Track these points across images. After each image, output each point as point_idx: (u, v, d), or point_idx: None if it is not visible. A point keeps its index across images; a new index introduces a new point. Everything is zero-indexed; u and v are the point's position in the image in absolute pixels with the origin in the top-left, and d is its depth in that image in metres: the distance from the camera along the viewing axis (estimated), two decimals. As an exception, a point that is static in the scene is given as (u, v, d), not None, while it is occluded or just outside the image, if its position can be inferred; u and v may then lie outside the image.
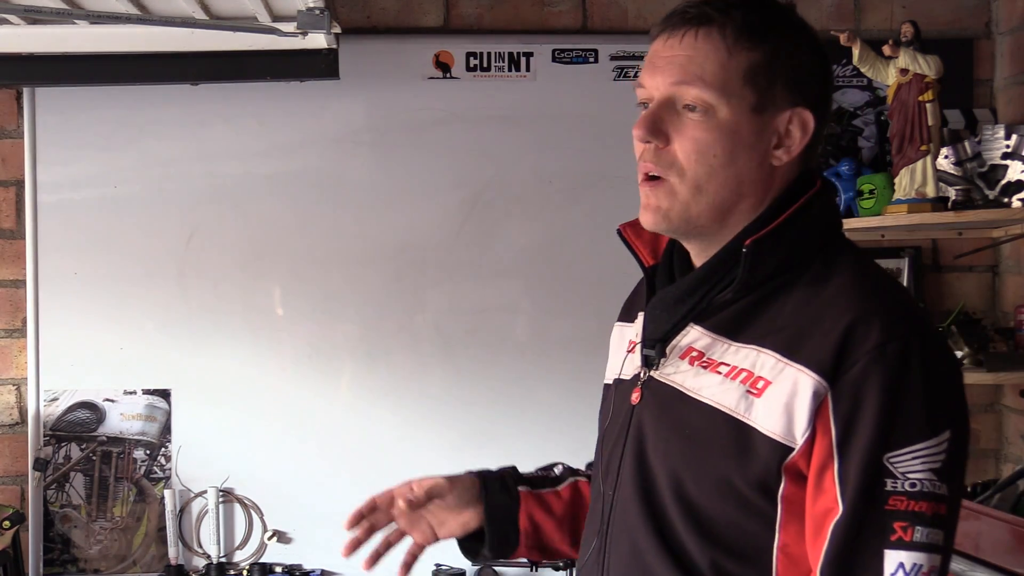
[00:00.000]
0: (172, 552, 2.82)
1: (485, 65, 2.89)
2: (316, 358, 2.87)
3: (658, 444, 1.21)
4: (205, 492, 2.84)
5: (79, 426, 2.83)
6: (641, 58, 1.26)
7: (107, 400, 2.84)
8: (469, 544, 1.49)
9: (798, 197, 1.22)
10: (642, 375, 1.27)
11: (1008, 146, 2.57)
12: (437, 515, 1.46)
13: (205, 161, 2.86)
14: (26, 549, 2.79)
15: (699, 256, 1.26)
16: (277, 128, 2.86)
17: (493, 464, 1.53)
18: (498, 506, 1.45)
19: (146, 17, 2.38)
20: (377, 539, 1.46)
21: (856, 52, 2.53)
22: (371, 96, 2.88)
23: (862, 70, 2.58)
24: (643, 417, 1.24)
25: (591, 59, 2.89)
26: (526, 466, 1.54)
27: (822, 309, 1.14)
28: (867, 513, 1.08)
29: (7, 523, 2.62)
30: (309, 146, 2.87)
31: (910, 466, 1.08)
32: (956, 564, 1.93)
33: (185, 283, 2.85)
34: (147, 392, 2.85)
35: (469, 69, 2.89)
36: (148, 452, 2.84)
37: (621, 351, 1.37)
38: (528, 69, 2.89)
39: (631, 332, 1.36)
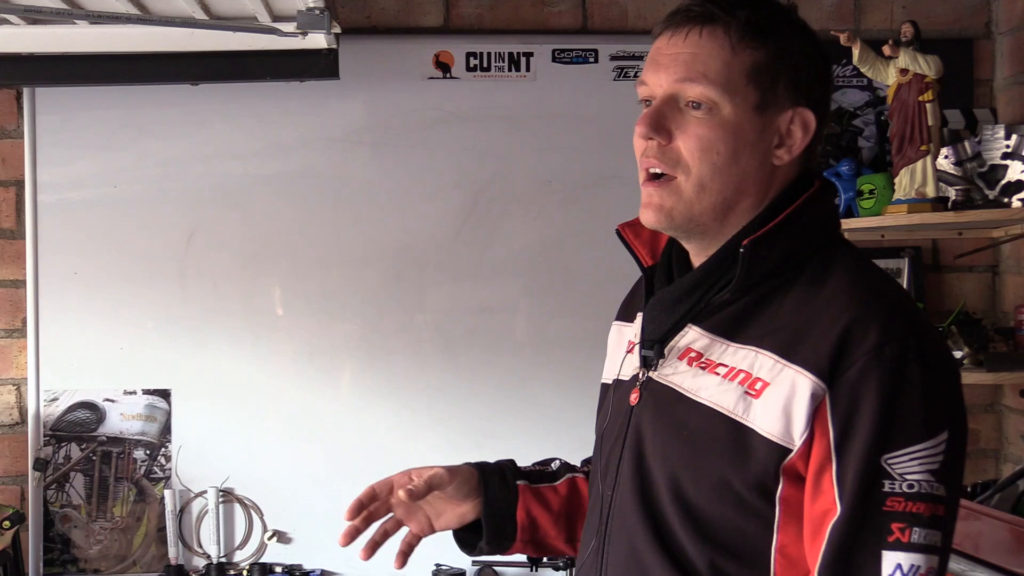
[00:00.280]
0: (172, 552, 2.82)
1: (485, 65, 2.89)
2: (316, 358, 2.87)
3: (656, 445, 1.21)
4: (205, 492, 2.84)
5: (79, 426, 2.83)
6: (641, 58, 1.27)
7: (107, 400, 2.84)
8: (465, 536, 1.49)
9: (797, 197, 1.22)
10: (641, 376, 1.27)
11: (1008, 146, 2.57)
12: (435, 506, 1.46)
13: (205, 161, 2.86)
14: (26, 549, 2.79)
15: (698, 256, 1.26)
16: (277, 128, 2.86)
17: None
18: (496, 499, 1.44)
19: (146, 17, 2.38)
20: (375, 528, 1.46)
21: (856, 52, 2.53)
22: (371, 96, 2.88)
23: (862, 70, 2.58)
24: (642, 418, 1.24)
25: (591, 59, 2.89)
26: (525, 463, 1.54)
27: (820, 310, 1.14)
28: (865, 514, 1.08)
29: (7, 523, 2.62)
30: (309, 146, 2.87)
31: (908, 467, 1.08)
32: (956, 564, 1.93)
33: (185, 283, 2.85)
34: (147, 392, 2.85)
35: (469, 69, 2.89)
36: (148, 452, 2.84)
37: (620, 351, 1.37)
38: (528, 69, 2.89)
39: (630, 332, 1.36)
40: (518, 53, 2.89)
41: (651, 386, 1.25)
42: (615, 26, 2.93)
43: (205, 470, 2.84)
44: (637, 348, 1.30)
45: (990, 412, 2.95)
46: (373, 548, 1.45)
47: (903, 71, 2.51)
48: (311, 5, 2.38)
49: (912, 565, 1.07)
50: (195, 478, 2.85)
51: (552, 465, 1.52)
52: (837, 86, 2.92)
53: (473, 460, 1.49)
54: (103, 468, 2.84)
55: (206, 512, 2.84)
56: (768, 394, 1.13)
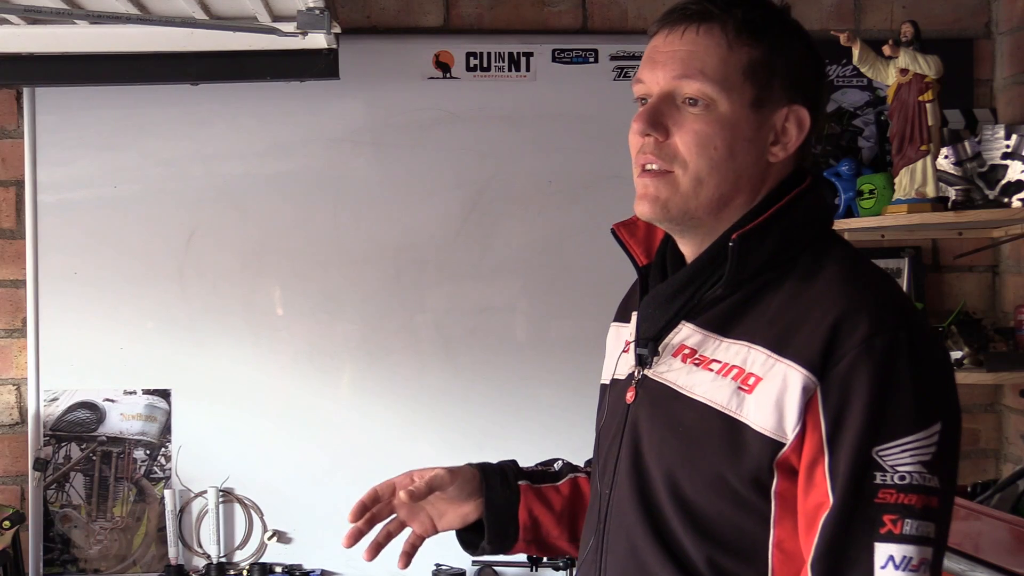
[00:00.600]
0: (172, 552, 2.82)
1: (485, 65, 2.89)
2: (316, 358, 2.87)
3: (653, 442, 1.22)
4: (205, 492, 2.84)
5: (79, 426, 2.83)
6: (641, 58, 1.27)
7: (107, 400, 2.84)
8: (468, 536, 1.49)
9: (789, 193, 1.23)
10: (636, 374, 1.28)
11: (1008, 146, 2.57)
12: (437, 507, 1.46)
13: (205, 161, 2.86)
14: (26, 549, 2.79)
15: (692, 252, 1.27)
16: (277, 128, 2.86)
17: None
18: (498, 500, 1.45)
19: (146, 17, 2.38)
20: (378, 530, 1.46)
21: (856, 52, 2.53)
22: (371, 96, 2.88)
23: (862, 70, 2.58)
24: (638, 416, 1.25)
25: (591, 59, 2.89)
26: (527, 464, 1.54)
27: (810, 304, 1.14)
28: (857, 506, 1.08)
29: (7, 523, 2.62)
30: (309, 146, 2.87)
31: (899, 459, 1.08)
32: (956, 564, 1.93)
33: (185, 283, 2.85)
34: (147, 392, 2.85)
35: (469, 69, 2.89)
36: (148, 452, 2.84)
37: (617, 351, 1.38)
38: (528, 69, 2.89)
39: (626, 332, 1.36)
40: (518, 53, 2.89)
41: (646, 384, 1.25)
42: (615, 26, 2.94)
43: (205, 470, 2.84)
44: (632, 347, 1.30)
45: (990, 412, 2.95)
46: (376, 549, 1.45)
47: (903, 71, 2.51)
48: (311, 5, 2.38)
49: (904, 557, 1.07)
50: (195, 478, 2.85)
51: (555, 466, 1.53)
52: (837, 86, 2.92)
53: (474, 460, 1.50)
54: (103, 468, 2.84)
55: (206, 512, 2.84)
56: (761, 389, 1.13)
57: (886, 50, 2.52)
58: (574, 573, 2.06)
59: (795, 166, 1.25)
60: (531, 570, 2.76)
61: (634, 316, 1.33)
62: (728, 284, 1.20)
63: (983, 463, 2.93)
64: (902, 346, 1.10)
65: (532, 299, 2.91)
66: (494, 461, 1.51)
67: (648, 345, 1.26)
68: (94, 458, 2.84)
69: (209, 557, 2.84)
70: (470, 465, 1.47)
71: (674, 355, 1.23)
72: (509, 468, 1.49)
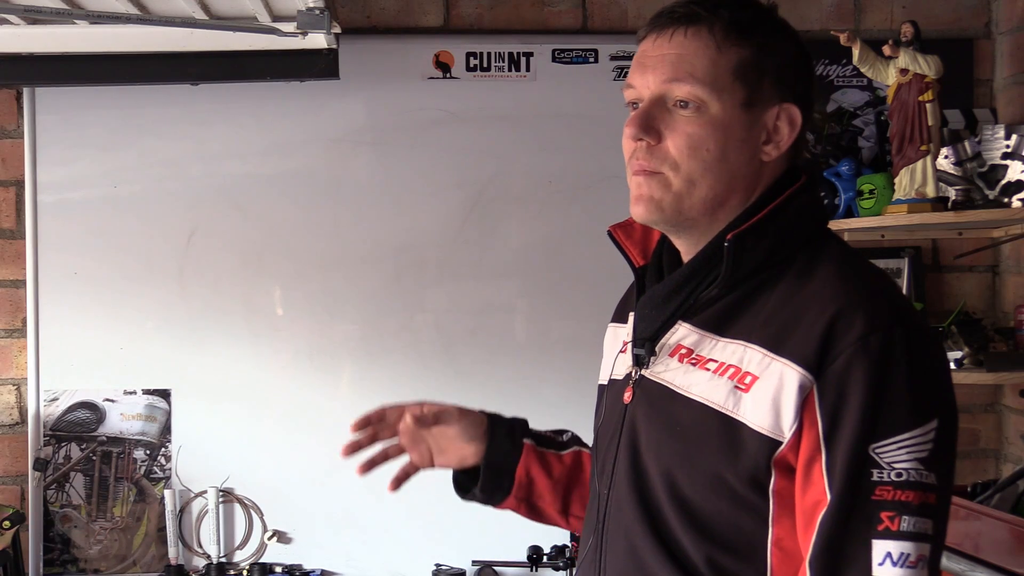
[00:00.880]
0: (172, 552, 2.82)
1: (485, 65, 2.89)
2: (316, 358, 2.87)
3: (651, 442, 1.22)
4: (205, 492, 2.84)
5: (79, 426, 2.83)
6: (640, 59, 1.27)
7: (107, 400, 2.84)
8: (463, 480, 1.51)
9: (784, 192, 1.23)
10: (633, 374, 1.28)
11: (1008, 146, 2.57)
12: (439, 443, 1.48)
13: (205, 161, 2.86)
14: (26, 549, 2.79)
15: (688, 253, 1.27)
16: (277, 128, 2.86)
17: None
18: (499, 450, 1.47)
19: (146, 17, 2.38)
20: (376, 449, 1.50)
21: (856, 52, 2.53)
22: (371, 96, 2.88)
23: (862, 70, 2.58)
24: (636, 416, 1.25)
25: (591, 59, 2.89)
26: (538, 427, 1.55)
27: (806, 302, 1.15)
28: (854, 504, 1.08)
29: (7, 523, 2.62)
30: (309, 146, 2.87)
31: (896, 456, 1.08)
32: (956, 564, 1.93)
33: (185, 283, 2.86)
34: (147, 392, 2.85)
35: (469, 69, 2.89)
36: (148, 452, 2.84)
37: (614, 351, 1.38)
38: (528, 69, 2.89)
39: (623, 332, 1.36)
40: (518, 53, 2.89)
41: (644, 384, 1.26)
42: (615, 26, 2.94)
43: (205, 470, 2.84)
44: (630, 347, 1.30)
45: (990, 412, 2.95)
46: (369, 467, 1.49)
47: (903, 71, 2.51)
48: (311, 5, 2.38)
49: (902, 553, 1.07)
50: (195, 478, 2.85)
51: (564, 436, 1.54)
52: (837, 86, 2.92)
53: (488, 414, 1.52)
54: (103, 468, 2.84)
55: (206, 512, 2.84)
56: (757, 388, 1.13)
57: (886, 50, 2.52)
58: (574, 573, 2.06)
59: (789, 164, 1.26)
60: (531, 570, 2.76)
61: (631, 317, 1.33)
62: (724, 284, 1.21)
63: (983, 463, 2.93)
64: (897, 344, 1.10)
65: (532, 299, 2.91)
66: (507, 415, 1.52)
67: (645, 345, 1.26)
68: (94, 458, 2.84)
69: (209, 557, 2.84)
70: (482, 411, 1.50)
71: (671, 355, 1.23)
72: (518, 424, 1.51)
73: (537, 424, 1.60)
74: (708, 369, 1.18)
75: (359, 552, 2.86)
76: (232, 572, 2.84)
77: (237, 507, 2.87)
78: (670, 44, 1.21)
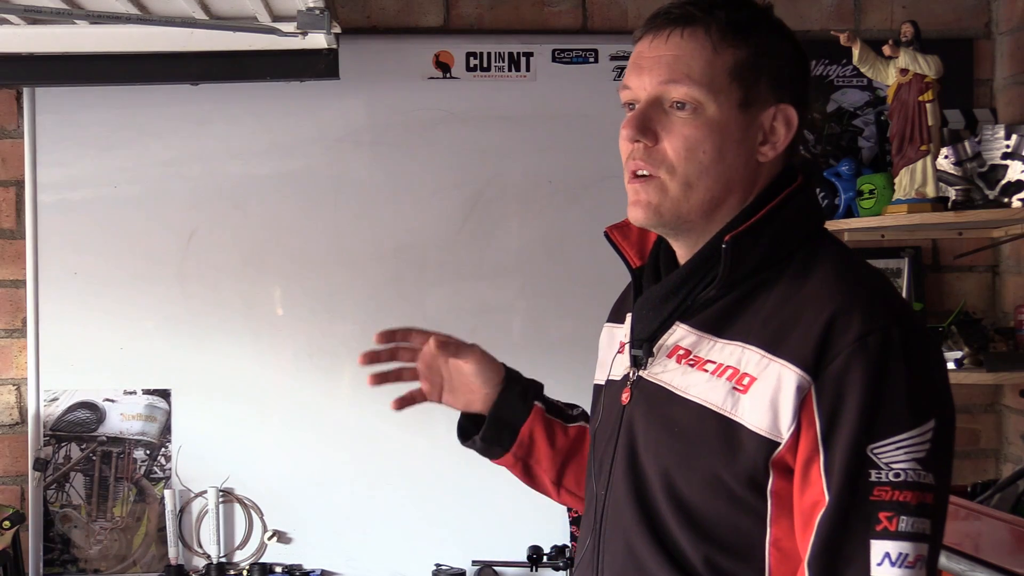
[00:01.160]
0: (172, 552, 2.82)
1: (485, 65, 2.89)
2: (316, 358, 2.87)
3: (648, 443, 1.22)
4: (205, 492, 2.84)
5: (79, 426, 2.83)
6: (640, 59, 1.27)
7: (107, 400, 2.84)
8: (466, 425, 1.52)
9: (781, 193, 1.23)
10: (631, 375, 1.28)
11: (1008, 146, 2.57)
12: (453, 379, 1.50)
13: (205, 161, 2.86)
14: (26, 549, 2.79)
15: (685, 254, 1.27)
16: (277, 128, 2.86)
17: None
18: (508, 404, 1.48)
19: (146, 17, 2.38)
20: (393, 366, 1.51)
21: (856, 52, 2.53)
22: (371, 96, 2.88)
23: (862, 70, 2.58)
24: (633, 417, 1.25)
25: (591, 59, 2.89)
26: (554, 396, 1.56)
27: (804, 303, 1.15)
28: (852, 504, 1.09)
29: (7, 523, 2.62)
30: (309, 146, 2.87)
31: (894, 456, 1.08)
32: (956, 564, 1.93)
33: (185, 283, 2.86)
34: (147, 392, 2.85)
35: (469, 69, 2.89)
36: (148, 452, 2.84)
37: (611, 352, 1.38)
38: (528, 69, 2.89)
39: (620, 333, 1.37)
40: (518, 53, 2.89)
41: (641, 385, 1.26)
42: (615, 26, 2.94)
43: (205, 470, 2.84)
44: (627, 348, 1.30)
45: (990, 412, 2.95)
46: (381, 380, 1.50)
47: (903, 71, 2.51)
48: (311, 5, 2.38)
49: (900, 553, 1.07)
50: (195, 478, 2.85)
51: (574, 411, 1.55)
52: (837, 86, 2.92)
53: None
54: (103, 468, 2.84)
55: (206, 512, 2.84)
56: (755, 389, 1.13)
57: (886, 50, 2.52)
58: (571, 573, 2.06)
59: (785, 164, 1.26)
60: (531, 570, 2.76)
61: (628, 317, 1.33)
62: (722, 285, 1.21)
63: (983, 463, 2.93)
64: (895, 344, 1.10)
65: (532, 299, 2.91)
66: (525, 376, 1.53)
67: (643, 346, 1.26)
68: (94, 458, 2.84)
69: (209, 557, 2.84)
70: (503, 364, 1.51)
71: (669, 356, 1.23)
72: (532, 386, 1.52)
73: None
74: (706, 370, 1.18)
75: (359, 552, 2.86)
76: (232, 572, 2.84)
77: (237, 507, 2.87)
78: (666, 45, 1.21)
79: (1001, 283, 2.94)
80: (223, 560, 2.84)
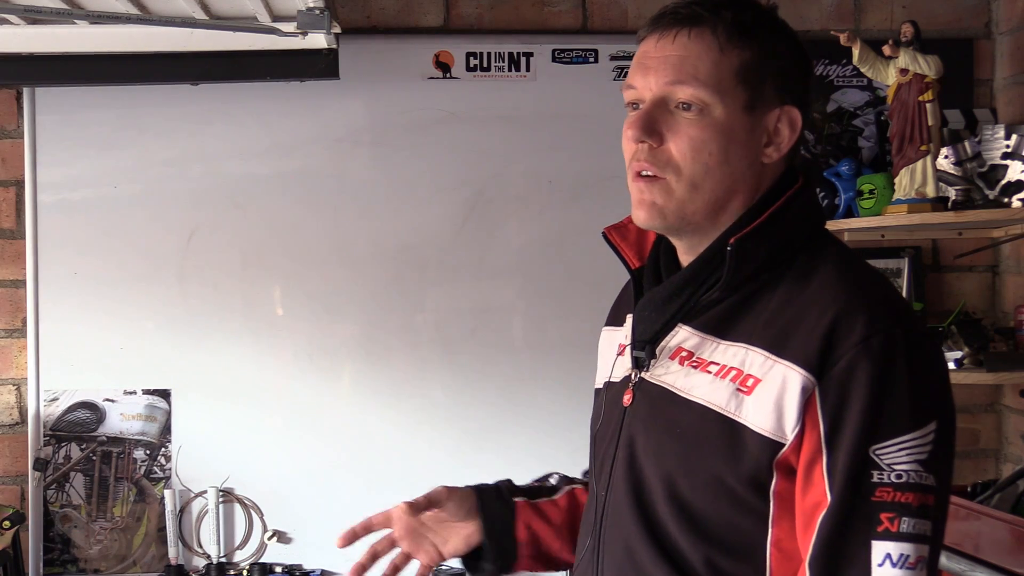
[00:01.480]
0: (172, 552, 2.82)
1: (485, 65, 2.89)
2: (316, 358, 2.87)
3: (650, 445, 1.22)
4: (205, 492, 2.84)
5: (79, 426, 2.83)
6: (640, 59, 1.26)
7: (107, 400, 2.84)
8: (471, 561, 1.48)
9: (783, 194, 1.23)
10: (633, 377, 1.28)
11: (1008, 146, 2.57)
12: (440, 533, 1.45)
13: (205, 161, 2.86)
14: (26, 549, 2.79)
15: (687, 255, 1.27)
16: (277, 128, 2.86)
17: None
18: (495, 517, 1.44)
19: (146, 17, 2.38)
20: (384, 563, 1.45)
21: (856, 52, 2.53)
22: (371, 96, 2.88)
23: (862, 70, 2.58)
24: (635, 418, 1.25)
25: (591, 59, 2.89)
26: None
27: (807, 305, 1.15)
28: (854, 505, 1.09)
29: (7, 523, 2.62)
30: (309, 146, 2.87)
31: (896, 458, 1.09)
32: (956, 564, 1.93)
33: (185, 283, 2.85)
34: (147, 392, 2.85)
35: (469, 69, 2.89)
36: (148, 452, 2.84)
37: (611, 354, 1.37)
38: (528, 69, 2.89)
39: (620, 335, 1.36)
40: (518, 53, 2.89)
41: (643, 387, 1.25)
42: (615, 26, 2.94)
43: (205, 470, 2.84)
44: (628, 349, 1.30)
45: (990, 412, 2.95)
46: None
47: (903, 71, 2.51)
48: (311, 5, 2.38)
49: (901, 555, 1.07)
50: (195, 478, 2.85)
51: (550, 480, 1.52)
52: (837, 86, 2.92)
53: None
54: (103, 468, 2.84)
55: (206, 512, 2.84)
56: (760, 390, 1.13)
57: (886, 50, 2.52)
58: (571, 574, 2.06)
59: (787, 165, 1.26)
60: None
61: (629, 319, 1.33)
62: (725, 287, 1.20)
63: (983, 463, 2.93)
64: (898, 346, 1.10)
65: (532, 299, 2.91)
66: (490, 483, 1.49)
67: (645, 348, 1.26)
68: (94, 458, 2.84)
69: (209, 557, 2.84)
70: (467, 486, 1.46)
71: (671, 358, 1.23)
72: (504, 487, 1.48)
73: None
74: (709, 372, 1.18)
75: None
76: (232, 572, 2.84)
77: (237, 507, 2.87)
78: (673, 45, 1.20)
79: (1001, 283, 2.94)
80: (223, 560, 2.84)
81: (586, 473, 1.52)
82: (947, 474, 1.12)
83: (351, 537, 1.42)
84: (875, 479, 1.08)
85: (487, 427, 2.86)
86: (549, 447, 2.74)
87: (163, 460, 2.85)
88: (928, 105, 2.50)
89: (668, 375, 1.22)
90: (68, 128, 2.83)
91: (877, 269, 1.24)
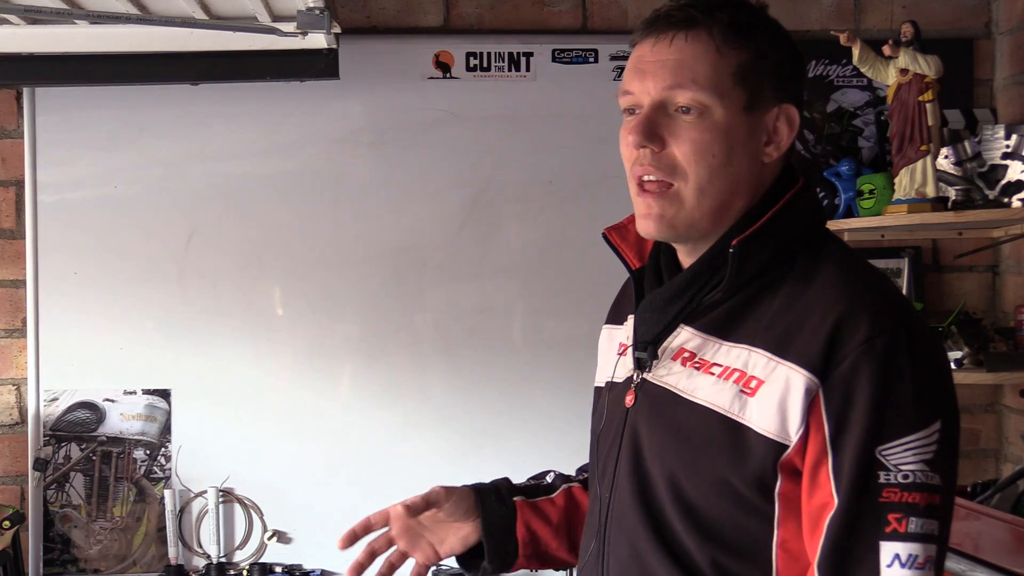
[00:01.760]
0: (172, 552, 2.82)
1: (485, 65, 2.89)
2: (316, 358, 2.87)
3: (654, 446, 1.22)
4: (205, 492, 2.84)
5: (79, 426, 2.83)
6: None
7: (107, 400, 2.84)
8: (468, 560, 1.48)
9: (783, 194, 1.23)
10: (635, 378, 1.27)
11: (1008, 146, 2.57)
12: (437, 533, 1.45)
13: (205, 161, 2.86)
14: (26, 549, 2.79)
15: (688, 256, 1.27)
16: (277, 128, 2.86)
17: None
18: (494, 517, 1.44)
19: (146, 17, 2.38)
20: (381, 561, 1.45)
21: (856, 52, 2.53)
22: (371, 96, 2.88)
23: (862, 70, 2.58)
24: (638, 419, 1.25)
25: (591, 59, 2.89)
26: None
27: (810, 305, 1.15)
28: (862, 506, 1.09)
29: (7, 523, 2.62)
30: (309, 146, 2.87)
31: (902, 458, 1.09)
32: (956, 564, 1.93)
33: (185, 283, 2.85)
34: (147, 392, 2.85)
35: (469, 69, 2.89)
36: (148, 452, 2.84)
37: (611, 353, 1.37)
38: (528, 69, 2.89)
39: (620, 334, 1.36)
40: (518, 53, 2.89)
41: (646, 388, 1.25)
42: (615, 26, 2.94)
43: (205, 470, 2.84)
44: (630, 350, 1.30)
45: (990, 412, 2.95)
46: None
47: (903, 71, 2.51)
48: (311, 5, 2.38)
49: (910, 555, 1.08)
50: (195, 478, 2.85)
51: (547, 478, 1.53)
52: (837, 86, 2.92)
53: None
54: (103, 468, 2.84)
55: (206, 512, 2.84)
56: (763, 392, 1.13)
57: (886, 50, 2.52)
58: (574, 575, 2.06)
59: (785, 164, 1.26)
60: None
61: (630, 319, 1.33)
62: (727, 289, 1.20)
63: (983, 463, 2.93)
64: (902, 346, 1.10)
65: (532, 299, 2.91)
66: (488, 481, 1.49)
67: (647, 349, 1.26)
68: (94, 458, 2.84)
69: (209, 557, 2.84)
70: (465, 485, 1.46)
71: (673, 359, 1.23)
72: (503, 485, 1.48)
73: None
74: (712, 373, 1.18)
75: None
76: (232, 572, 2.84)
77: (237, 507, 2.87)
78: (670, 49, 1.20)
79: (1001, 283, 2.94)
80: (223, 560, 2.84)
81: (581, 471, 1.52)
82: (952, 473, 1.12)
83: (351, 538, 1.42)
84: (882, 480, 1.08)
85: (487, 427, 2.86)
86: (549, 447, 2.73)
87: (163, 460, 2.85)
88: (928, 105, 2.50)
89: (670, 376, 1.22)
90: (68, 128, 2.83)
91: (879, 269, 1.24)
